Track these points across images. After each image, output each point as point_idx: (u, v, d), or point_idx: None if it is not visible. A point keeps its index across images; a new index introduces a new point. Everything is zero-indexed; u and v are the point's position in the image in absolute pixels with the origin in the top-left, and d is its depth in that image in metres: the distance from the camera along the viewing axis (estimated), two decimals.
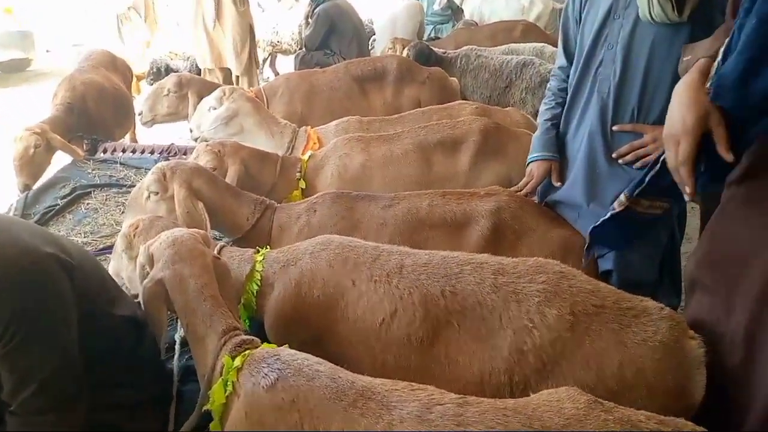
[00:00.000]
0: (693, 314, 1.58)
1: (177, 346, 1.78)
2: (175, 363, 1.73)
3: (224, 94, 3.31)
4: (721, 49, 1.38)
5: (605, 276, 2.11)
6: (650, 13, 1.83)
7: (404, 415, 1.21)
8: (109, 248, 2.64)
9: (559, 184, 2.26)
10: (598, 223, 1.89)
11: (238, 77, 5.52)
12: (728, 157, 1.31)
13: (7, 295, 1.29)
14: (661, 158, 1.54)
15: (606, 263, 2.11)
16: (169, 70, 6.07)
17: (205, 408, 1.43)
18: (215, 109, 3.30)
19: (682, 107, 1.38)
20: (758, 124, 1.32)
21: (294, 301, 1.78)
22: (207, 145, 2.78)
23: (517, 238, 2.17)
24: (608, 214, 1.82)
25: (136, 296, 1.76)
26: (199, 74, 5.45)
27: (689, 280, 1.62)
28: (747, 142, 1.36)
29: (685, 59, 1.79)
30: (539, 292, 1.57)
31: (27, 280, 1.33)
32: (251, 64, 5.58)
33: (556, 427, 1.15)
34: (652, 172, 1.60)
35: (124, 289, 1.92)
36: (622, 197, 1.76)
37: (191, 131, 3.53)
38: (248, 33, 5.51)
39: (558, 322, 1.51)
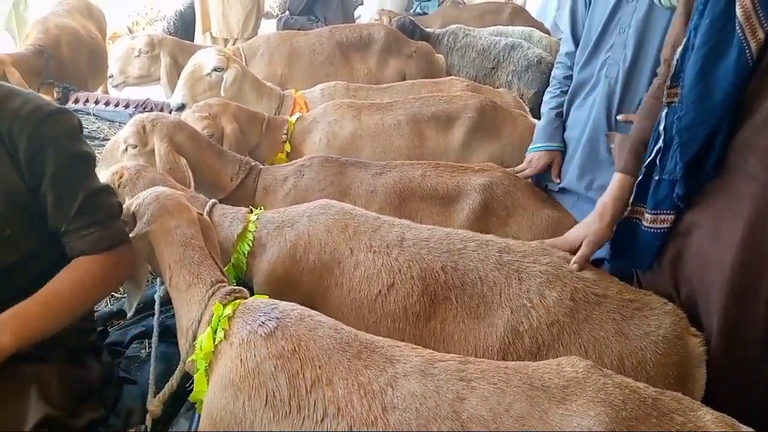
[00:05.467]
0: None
1: (157, 306, 1.70)
2: (155, 322, 1.65)
3: (226, 57, 3.08)
4: (676, 57, 1.48)
5: (597, 264, 2.09)
6: None
7: (408, 369, 1.20)
8: None
9: (558, 181, 2.23)
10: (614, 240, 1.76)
11: (226, 41, 5.26)
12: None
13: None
14: (645, 165, 1.58)
15: (599, 251, 2.09)
16: None
17: (189, 359, 1.37)
18: (218, 71, 3.03)
19: (596, 221, 1.68)
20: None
21: (288, 263, 1.73)
22: (193, 112, 2.60)
23: (508, 215, 2.15)
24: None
25: None
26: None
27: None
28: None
29: (612, 146, 1.99)
30: (542, 273, 1.54)
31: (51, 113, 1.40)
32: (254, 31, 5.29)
33: (556, 387, 1.14)
34: (638, 178, 1.61)
35: None
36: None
37: (180, 101, 3.08)
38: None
39: (557, 306, 1.49)
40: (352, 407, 1.17)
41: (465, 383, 1.18)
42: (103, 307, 2.01)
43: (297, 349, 1.25)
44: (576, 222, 2.15)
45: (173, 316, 1.55)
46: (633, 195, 1.63)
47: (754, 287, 1.39)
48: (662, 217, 1.57)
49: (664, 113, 1.51)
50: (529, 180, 2.32)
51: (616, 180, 1.67)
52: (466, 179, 2.18)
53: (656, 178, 1.56)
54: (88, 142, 1.50)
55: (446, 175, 2.19)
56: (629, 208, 1.66)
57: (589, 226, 1.67)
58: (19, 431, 1.22)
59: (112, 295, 2.07)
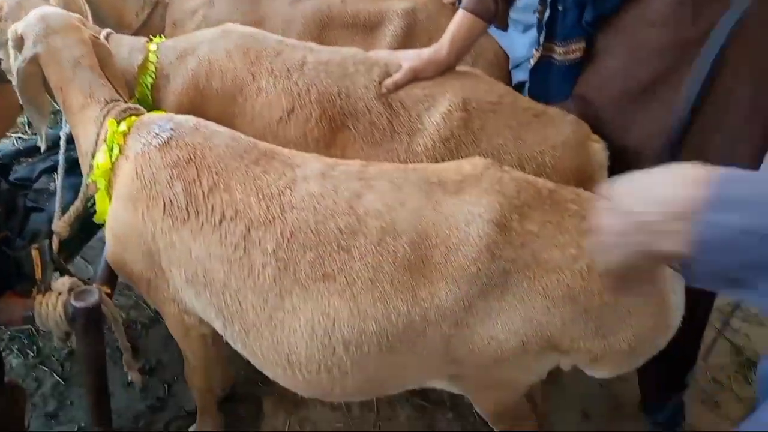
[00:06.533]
0: None
1: (62, 141, 1.62)
2: (60, 156, 1.58)
3: None
4: None
5: (518, 87, 2.08)
6: None
7: (308, 173, 1.22)
8: None
9: None
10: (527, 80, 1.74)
11: None
12: None
13: None
14: (548, 2, 1.53)
15: (521, 74, 2.07)
16: None
17: (91, 180, 1.34)
18: None
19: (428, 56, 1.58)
20: None
21: (192, 94, 1.65)
22: None
23: (431, 41, 2.04)
24: (528, 70, 1.70)
25: None
26: None
27: None
28: None
29: None
30: (426, 95, 1.52)
31: None
32: None
33: (452, 181, 1.18)
34: (545, 17, 1.56)
35: None
36: (533, 51, 1.65)
37: None
38: None
39: (449, 120, 1.48)
40: (250, 209, 1.18)
41: (363, 182, 1.20)
42: (10, 146, 1.92)
43: (193, 157, 1.24)
44: (498, 43, 2.10)
45: None
46: (543, 35, 1.59)
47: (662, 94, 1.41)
48: (573, 47, 1.56)
49: None
50: (455, 4, 2.22)
51: (455, 17, 1.61)
52: (387, 5, 2.08)
53: (560, 9, 1.52)
54: None
55: (367, 1, 2.09)
56: (540, 48, 1.61)
57: (420, 56, 1.58)
58: None
59: (20, 137, 1.98)
